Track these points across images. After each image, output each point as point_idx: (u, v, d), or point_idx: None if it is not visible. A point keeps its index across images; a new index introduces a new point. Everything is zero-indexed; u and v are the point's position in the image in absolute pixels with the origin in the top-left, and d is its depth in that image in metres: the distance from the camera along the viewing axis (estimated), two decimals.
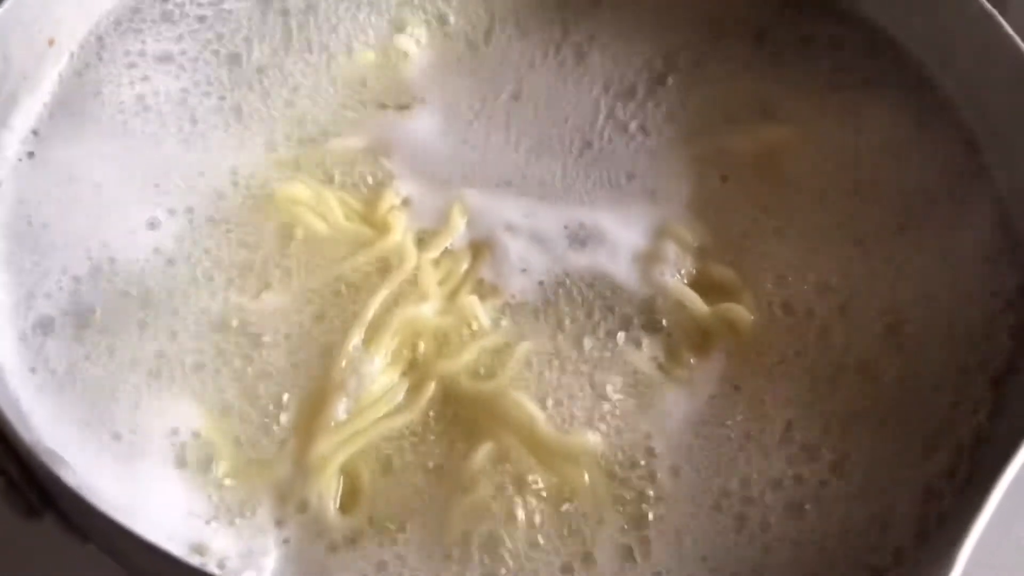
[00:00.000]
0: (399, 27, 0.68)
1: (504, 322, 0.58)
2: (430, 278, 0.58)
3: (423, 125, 0.65)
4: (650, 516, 0.52)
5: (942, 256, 0.60)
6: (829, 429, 0.55)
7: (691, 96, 0.66)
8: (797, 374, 0.57)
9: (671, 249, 0.60)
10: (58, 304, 0.56)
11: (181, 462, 0.52)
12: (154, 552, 0.45)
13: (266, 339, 0.56)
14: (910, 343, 0.57)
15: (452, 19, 0.69)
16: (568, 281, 0.59)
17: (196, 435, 0.53)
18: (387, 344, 0.56)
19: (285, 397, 0.54)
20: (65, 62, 0.65)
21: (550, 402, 0.55)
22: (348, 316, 0.56)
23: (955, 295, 0.59)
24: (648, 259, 0.60)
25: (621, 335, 0.57)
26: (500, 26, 0.69)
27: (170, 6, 0.68)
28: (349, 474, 0.53)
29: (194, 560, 0.48)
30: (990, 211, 0.62)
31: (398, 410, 0.55)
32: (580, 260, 0.60)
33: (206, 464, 0.52)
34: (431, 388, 0.55)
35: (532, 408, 0.54)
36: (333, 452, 0.53)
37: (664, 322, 0.58)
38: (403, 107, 0.65)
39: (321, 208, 0.60)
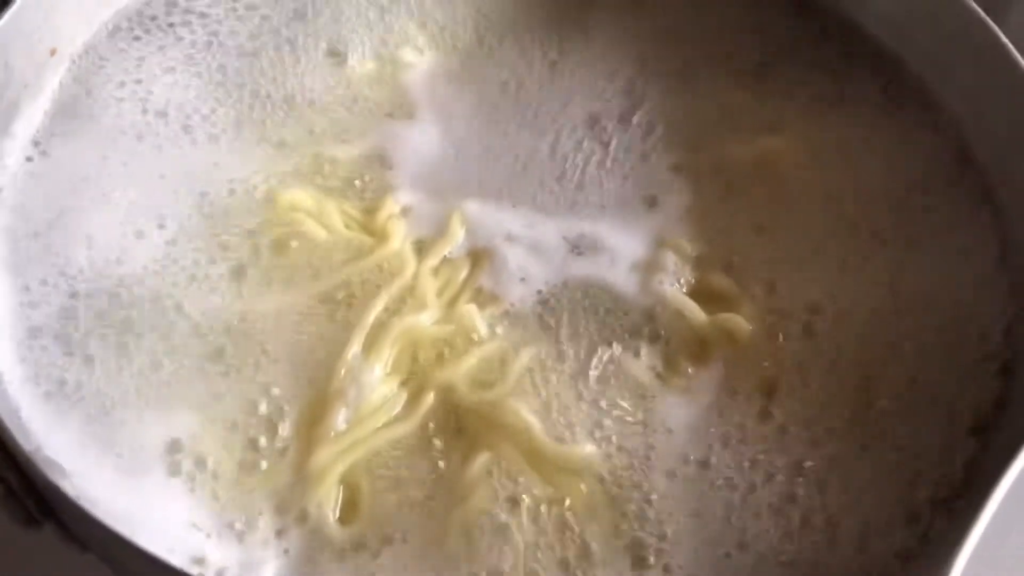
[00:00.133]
0: (400, 38, 0.68)
1: (503, 331, 0.58)
2: (429, 287, 0.58)
3: (423, 135, 0.65)
4: (647, 526, 0.52)
5: (941, 266, 0.60)
6: (828, 437, 0.55)
7: (690, 107, 0.66)
8: (795, 383, 0.57)
9: (670, 259, 0.60)
10: (58, 312, 0.56)
11: (180, 472, 0.52)
12: (153, 562, 0.45)
13: (266, 348, 0.56)
14: (908, 351, 0.58)
15: (452, 31, 0.69)
16: (567, 290, 0.59)
17: (195, 445, 0.53)
18: (386, 353, 0.56)
19: (284, 406, 0.54)
20: (65, 70, 0.65)
21: (548, 412, 0.55)
22: (347, 325, 0.57)
23: (953, 303, 0.59)
24: (647, 268, 0.60)
25: (619, 344, 0.58)
26: (500, 38, 0.69)
27: (169, 15, 0.68)
28: (349, 484, 0.53)
29: (193, 571, 0.48)
30: (988, 221, 0.62)
31: (397, 420, 0.55)
32: (579, 269, 0.60)
33: (205, 474, 0.52)
34: (430, 398, 0.55)
35: (530, 418, 0.54)
36: (333, 462, 0.53)
37: (662, 331, 0.58)
38: (403, 117, 0.65)
39: (321, 215, 0.60)
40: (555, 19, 0.70)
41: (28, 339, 0.55)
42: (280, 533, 0.51)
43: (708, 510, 0.53)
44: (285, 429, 0.54)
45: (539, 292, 0.59)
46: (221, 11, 0.69)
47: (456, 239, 0.60)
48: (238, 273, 0.58)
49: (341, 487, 0.53)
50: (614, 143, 0.65)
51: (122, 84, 0.65)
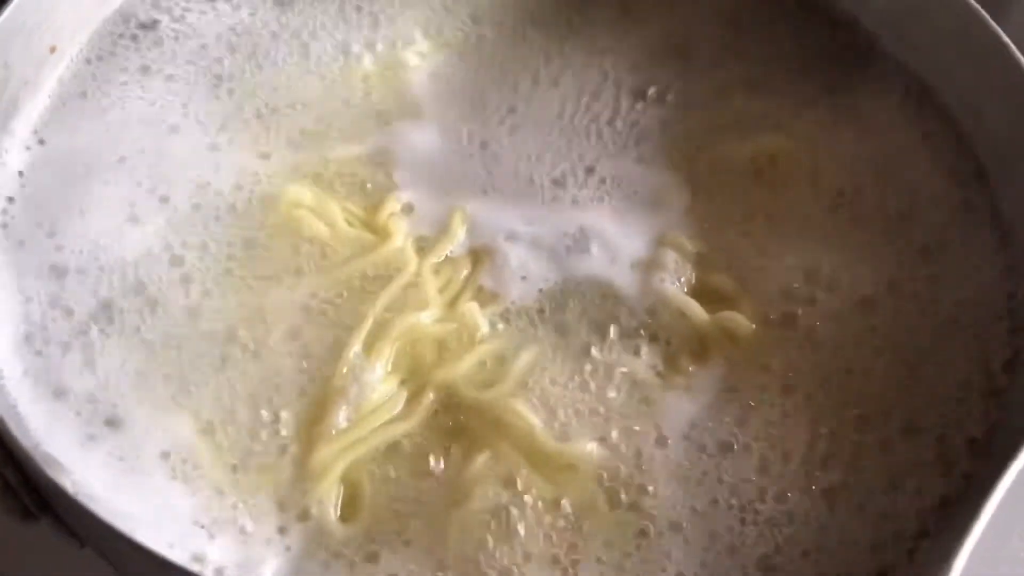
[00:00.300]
0: (401, 37, 0.68)
1: (504, 329, 0.58)
2: (430, 285, 0.58)
3: (424, 134, 0.65)
4: (648, 525, 0.52)
5: (942, 265, 0.60)
6: (828, 436, 0.55)
7: (691, 105, 0.66)
8: (795, 382, 0.57)
9: (670, 257, 0.60)
10: (57, 308, 0.56)
11: (180, 470, 0.52)
12: (152, 558, 0.45)
13: (267, 345, 0.56)
14: (910, 350, 0.58)
15: (453, 31, 0.69)
16: (568, 289, 0.59)
17: (195, 442, 0.53)
18: (387, 351, 0.56)
19: (285, 404, 0.54)
20: (65, 67, 0.65)
21: (548, 410, 0.55)
22: (348, 322, 0.56)
23: (954, 302, 0.59)
24: (648, 267, 0.60)
25: (620, 343, 0.57)
26: (501, 37, 0.69)
27: (170, 12, 0.68)
28: (349, 482, 0.53)
29: (193, 568, 0.48)
30: (989, 221, 0.62)
31: (398, 418, 0.54)
32: (580, 268, 0.60)
33: (205, 472, 0.52)
34: (430, 397, 0.55)
35: (530, 417, 0.54)
36: (334, 460, 0.53)
37: (663, 330, 0.58)
38: (404, 116, 0.65)
39: (322, 212, 0.60)
40: (556, 19, 0.70)
41: (26, 334, 0.55)
42: (281, 531, 0.51)
43: (709, 508, 0.53)
44: (286, 427, 0.54)
45: (540, 290, 0.59)
46: (221, 9, 0.68)
47: (457, 238, 0.60)
48: (239, 269, 0.58)
49: (342, 485, 0.53)
50: (615, 141, 0.65)
51: (122, 81, 0.65)
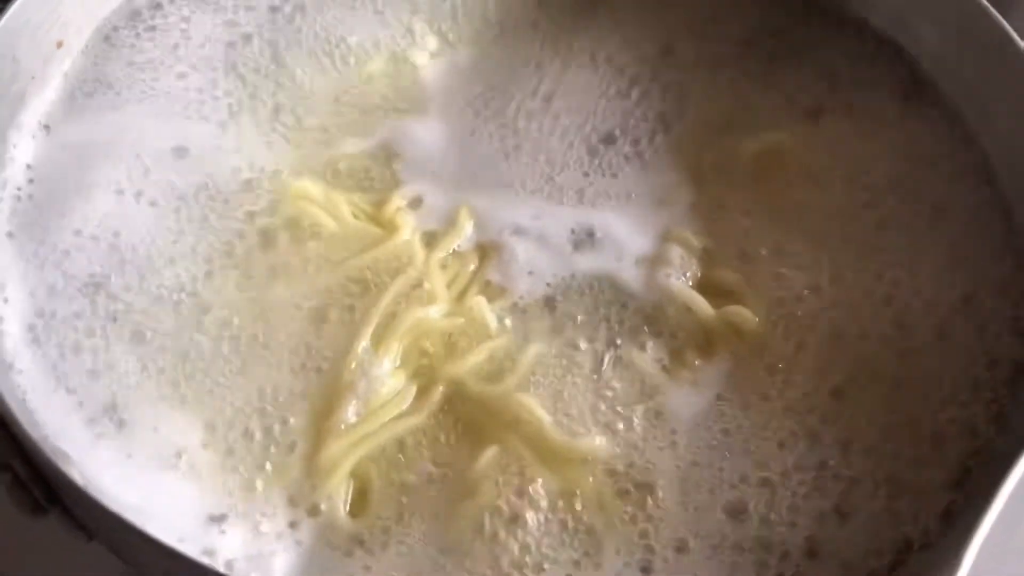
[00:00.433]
0: (409, 33, 0.68)
1: (511, 324, 0.58)
2: (438, 280, 0.58)
3: (431, 130, 0.65)
4: (655, 519, 0.52)
5: (947, 260, 0.60)
6: (833, 432, 0.55)
7: (697, 101, 0.66)
8: (800, 377, 0.57)
9: (676, 252, 0.60)
10: (67, 302, 0.56)
11: (189, 465, 0.52)
12: (162, 550, 0.45)
13: (275, 339, 0.56)
14: (914, 346, 0.58)
15: (461, 26, 0.69)
16: (575, 283, 0.59)
17: (205, 437, 0.53)
18: (395, 346, 0.56)
19: (294, 399, 0.54)
20: (72, 62, 0.65)
21: (556, 405, 0.55)
22: (356, 317, 0.56)
23: (960, 298, 0.59)
24: (654, 262, 0.60)
25: (626, 338, 0.58)
26: (508, 34, 0.69)
27: (178, 5, 0.68)
28: (358, 476, 0.53)
29: (204, 561, 0.48)
30: (995, 215, 0.62)
31: (407, 413, 0.54)
32: (586, 263, 0.60)
33: (215, 467, 0.52)
34: (439, 391, 0.55)
35: (539, 411, 0.54)
36: (343, 455, 0.53)
37: (669, 325, 0.58)
38: (412, 112, 0.65)
39: (329, 206, 0.60)
40: (564, 15, 0.70)
41: (36, 327, 0.55)
42: (292, 525, 0.51)
43: (716, 502, 0.53)
44: (296, 422, 0.54)
45: (547, 285, 0.59)
46: (228, 4, 0.68)
47: (464, 232, 0.60)
48: (246, 263, 0.58)
49: (351, 480, 0.53)
50: (622, 138, 0.65)
51: (128, 75, 0.65)
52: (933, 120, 0.65)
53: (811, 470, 0.54)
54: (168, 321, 0.56)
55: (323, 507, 0.52)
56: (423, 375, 0.56)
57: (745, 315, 0.58)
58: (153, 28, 0.67)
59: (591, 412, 0.55)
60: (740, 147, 0.65)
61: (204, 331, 0.56)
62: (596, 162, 0.64)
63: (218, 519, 0.51)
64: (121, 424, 0.53)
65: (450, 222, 0.61)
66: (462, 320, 0.57)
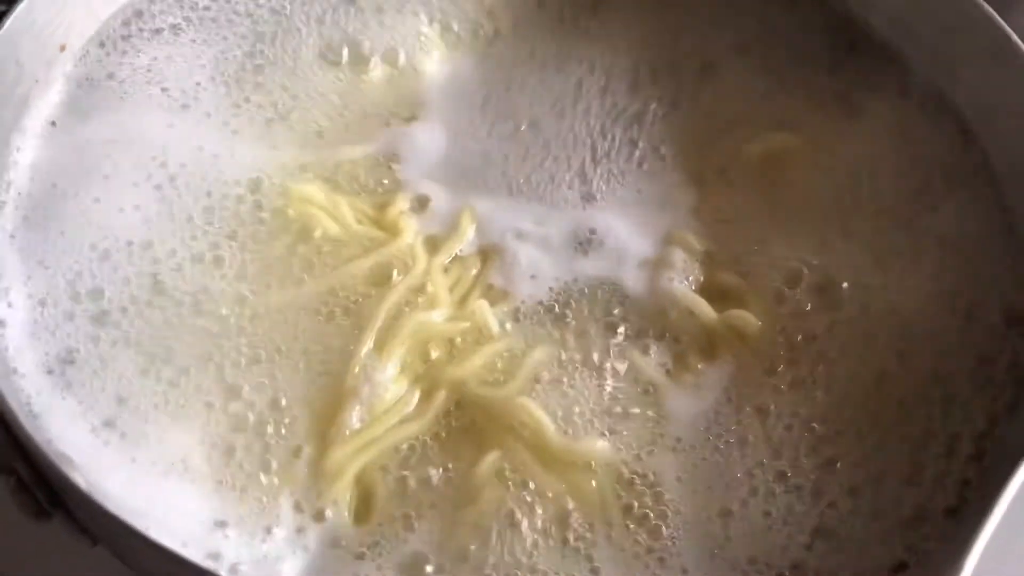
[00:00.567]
0: (411, 39, 0.68)
1: (513, 328, 0.58)
2: (441, 284, 0.58)
3: (434, 135, 0.65)
4: (658, 523, 0.52)
5: (949, 262, 0.60)
6: (835, 435, 0.55)
7: (699, 104, 0.66)
8: (803, 380, 0.57)
9: (678, 256, 0.60)
10: (71, 303, 0.56)
11: (193, 470, 0.52)
12: (164, 554, 0.45)
13: (278, 344, 0.56)
14: (917, 350, 0.58)
15: (463, 32, 0.69)
16: (577, 287, 0.59)
17: (210, 442, 0.53)
18: (398, 351, 0.56)
19: (298, 404, 0.54)
20: (75, 65, 0.65)
21: (558, 408, 0.55)
22: (359, 321, 0.56)
23: (961, 301, 0.59)
24: (656, 265, 0.60)
25: (629, 341, 0.58)
26: (510, 40, 0.69)
27: (180, 8, 0.68)
28: (362, 482, 0.53)
29: (208, 565, 0.48)
30: (997, 220, 0.62)
31: (410, 418, 0.54)
32: (589, 266, 0.60)
33: (221, 472, 0.52)
34: (443, 396, 0.55)
35: (541, 415, 0.54)
36: (348, 461, 0.53)
37: (672, 328, 0.58)
38: (414, 117, 0.65)
39: (332, 210, 0.60)
40: (565, 19, 0.70)
41: (39, 330, 0.55)
42: (297, 531, 0.51)
43: (719, 506, 0.53)
44: (300, 427, 0.54)
45: (549, 289, 0.59)
46: (233, 7, 0.68)
47: (466, 236, 0.61)
48: (249, 267, 0.58)
49: (356, 485, 0.53)
50: (624, 141, 0.65)
51: (132, 78, 0.65)
52: (934, 121, 0.65)
53: (815, 474, 0.54)
54: (172, 325, 0.56)
55: (328, 512, 0.52)
56: (426, 379, 0.56)
57: (748, 319, 0.58)
58: (156, 31, 0.67)
59: (593, 416, 0.55)
60: (742, 150, 0.65)
61: (207, 335, 0.56)
62: (598, 166, 0.64)
63: (223, 524, 0.51)
64: (125, 428, 0.53)
65: (452, 226, 0.61)
66: (465, 324, 0.57)
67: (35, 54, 0.62)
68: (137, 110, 0.64)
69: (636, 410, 0.56)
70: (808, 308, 0.59)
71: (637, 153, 0.65)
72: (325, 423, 0.54)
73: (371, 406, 0.54)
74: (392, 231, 0.60)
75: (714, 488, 0.53)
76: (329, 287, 0.58)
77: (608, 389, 0.56)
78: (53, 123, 0.62)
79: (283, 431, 0.53)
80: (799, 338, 0.58)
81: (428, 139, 0.64)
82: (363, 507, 0.52)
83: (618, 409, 0.55)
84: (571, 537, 0.52)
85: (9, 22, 0.59)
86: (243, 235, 0.59)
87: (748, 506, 0.53)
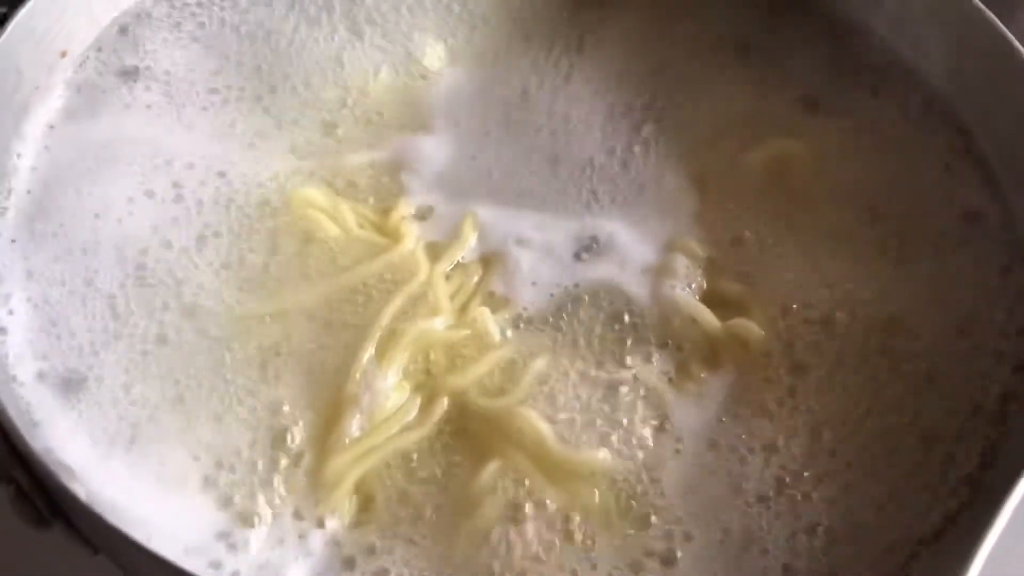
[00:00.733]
0: (418, 50, 0.68)
1: (515, 335, 0.58)
2: (442, 292, 0.58)
3: (438, 142, 0.65)
4: (660, 533, 0.52)
5: (953, 274, 0.60)
6: (839, 444, 0.55)
7: (701, 111, 0.66)
8: (807, 388, 0.56)
9: (681, 263, 0.60)
10: (73, 311, 0.56)
11: (196, 475, 0.52)
12: (163, 564, 0.44)
13: (279, 351, 0.56)
14: (920, 354, 0.57)
15: (468, 42, 0.69)
16: (579, 294, 0.59)
17: (210, 449, 0.53)
18: (399, 358, 0.56)
19: (299, 411, 0.54)
20: (75, 72, 0.65)
21: (559, 417, 0.55)
22: (360, 327, 0.56)
23: (966, 306, 0.59)
24: (658, 273, 0.60)
25: (632, 349, 0.57)
26: (514, 46, 0.69)
27: (181, 15, 0.68)
28: (362, 489, 0.53)
29: (208, 575, 0.48)
30: (998, 222, 0.62)
31: (410, 426, 0.54)
32: (591, 273, 0.60)
33: (222, 477, 0.52)
34: (444, 405, 0.55)
35: (542, 425, 0.54)
36: (347, 470, 0.52)
37: (674, 336, 0.58)
38: (417, 124, 0.65)
39: (334, 214, 0.60)
40: (569, 29, 0.70)
41: (40, 337, 0.55)
42: (297, 539, 0.51)
43: (720, 516, 0.53)
44: (300, 434, 0.53)
45: (551, 295, 0.59)
46: (239, 14, 0.68)
47: (468, 243, 0.60)
48: (251, 272, 0.58)
49: (355, 493, 0.53)
50: (626, 148, 0.65)
51: (133, 85, 0.65)
52: (935, 127, 0.65)
53: (817, 482, 0.54)
54: (173, 331, 0.56)
55: (328, 521, 0.52)
56: (426, 388, 0.56)
57: (751, 328, 0.58)
58: (158, 37, 0.67)
59: (595, 425, 0.55)
60: (744, 156, 0.65)
61: (208, 342, 0.56)
62: (600, 173, 0.64)
63: (223, 532, 0.51)
64: (126, 437, 0.53)
65: (454, 233, 0.61)
66: (466, 332, 0.57)
67: (35, 60, 0.62)
68: (138, 116, 0.64)
69: (638, 419, 0.55)
70: (811, 316, 0.59)
71: (639, 160, 0.64)
72: (325, 431, 0.53)
73: (371, 414, 0.54)
74: (394, 237, 0.60)
75: (716, 497, 0.53)
76: (330, 293, 0.58)
77: (609, 397, 0.56)
78: (51, 136, 0.62)
79: (283, 439, 0.53)
80: (802, 346, 0.58)
81: (432, 148, 0.64)
82: (363, 515, 0.52)
83: (620, 418, 0.55)
84: (573, 546, 0.52)
85: (9, 29, 0.59)
86: (245, 241, 0.59)
87: (749, 515, 0.53)
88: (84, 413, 0.53)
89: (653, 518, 0.52)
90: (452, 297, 0.59)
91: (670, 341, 0.58)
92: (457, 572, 0.51)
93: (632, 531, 0.52)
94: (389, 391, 0.55)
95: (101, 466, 0.51)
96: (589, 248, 0.61)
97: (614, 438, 0.54)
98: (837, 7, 0.70)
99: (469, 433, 0.54)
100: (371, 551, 0.51)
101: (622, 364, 0.57)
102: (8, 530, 0.50)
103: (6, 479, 0.49)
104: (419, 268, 0.59)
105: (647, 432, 0.55)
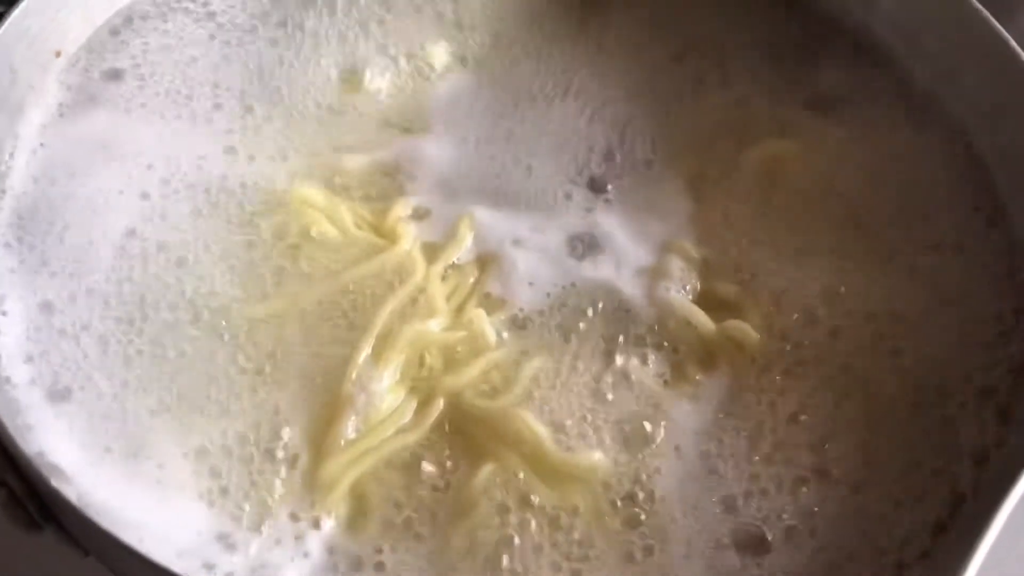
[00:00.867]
0: (418, 52, 0.68)
1: (511, 336, 0.57)
2: (438, 292, 0.58)
3: (436, 145, 0.65)
4: (656, 533, 0.52)
5: (949, 274, 0.60)
6: (833, 446, 0.55)
7: (695, 111, 0.66)
8: (801, 391, 0.56)
9: (676, 265, 0.60)
10: (67, 314, 0.56)
11: (190, 478, 0.52)
12: (153, 567, 0.44)
13: (275, 352, 0.56)
14: (913, 360, 0.57)
15: (467, 46, 0.69)
16: (574, 295, 0.59)
17: (205, 451, 0.53)
18: (395, 360, 0.55)
19: (294, 413, 0.54)
20: (70, 71, 0.65)
21: (555, 418, 0.55)
22: (356, 329, 0.56)
23: (961, 307, 0.59)
24: (654, 274, 0.60)
25: (627, 351, 0.57)
26: (511, 51, 0.69)
27: (177, 15, 0.68)
28: (357, 491, 0.53)
29: None
30: (996, 225, 0.62)
31: (406, 428, 0.54)
32: (586, 274, 0.60)
33: (216, 479, 0.52)
34: (439, 406, 0.55)
35: (537, 427, 0.54)
36: (343, 472, 0.52)
37: (670, 338, 0.58)
38: (416, 127, 0.65)
39: (332, 214, 0.60)
40: (569, 30, 0.70)
41: (34, 340, 0.55)
42: (293, 540, 0.51)
43: (716, 518, 0.53)
44: (297, 436, 0.53)
45: (547, 295, 0.59)
46: (230, 14, 0.68)
47: (464, 244, 0.60)
48: (246, 273, 0.58)
49: (351, 495, 0.52)
50: (621, 149, 0.65)
51: (128, 85, 0.65)
52: (933, 129, 0.65)
53: (811, 486, 0.54)
54: (167, 334, 0.56)
55: (323, 523, 0.51)
56: (422, 389, 0.55)
57: (746, 330, 0.58)
58: (153, 37, 0.67)
59: (590, 427, 0.55)
60: (740, 156, 0.64)
61: (203, 343, 0.56)
62: (595, 174, 0.64)
63: (217, 534, 0.50)
64: (120, 439, 0.52)
65: (451, 234, 0.61)
66: (462, 333, 0.57)
67: (29, 60, 0.62)
68: (133, 116, 0.64)
69: (634, 420, 0.55)
70: (806, 317, 0.58)
71: (634, 161, 0.64)
72: (321, 433, 0.53)
73: (367, 416, 0.54)
74: (390, 237, 0.60)
75: (712, 498, 0.53)
76: (327, 293, 0.57)
77: (605, 399, 0.56)
78: (45, 136, 0.62)
79: (279, 440, 0.53)
80: (797, 347, 0.58)
81: (430, 150, 0.64)
82: (358, 517, 0.52)
83: (615, 419, 0.55)
84: (568, 548, 0.51)
85: (3, 28, 0.59)
86: (241, 241, 0.59)
87: (745, 516, 0.53)
88: (77, 415, 0.53)
89: (648, 519, 0.52)
90: (448, 298, 0.58)
91: (665, 343, 0.58)
92: (453, 573, 0.51)
93: (626, 532, 0.52)
94: (384, 393, 0.55)
95: (94, 469, 0.51)
96: (585, 250, 0.61)
97: (609, 440, 0.54)
98: (834, 7, 0.70)
99: (465, 434, 0.54)
100: (367, 553, 0.51)
101: (618, 366, 0.57)
102: None
103: None
104: (416, 268, 0.59)
105: (643, 434, 0.55)
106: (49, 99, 0.63)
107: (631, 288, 0.59)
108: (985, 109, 0.63)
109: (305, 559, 0.50)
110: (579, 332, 0.58)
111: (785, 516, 0.53)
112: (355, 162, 0.63)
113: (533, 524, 0.52)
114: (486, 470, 0.53)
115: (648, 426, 0.55)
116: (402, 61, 0.68)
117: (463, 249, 0.60)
